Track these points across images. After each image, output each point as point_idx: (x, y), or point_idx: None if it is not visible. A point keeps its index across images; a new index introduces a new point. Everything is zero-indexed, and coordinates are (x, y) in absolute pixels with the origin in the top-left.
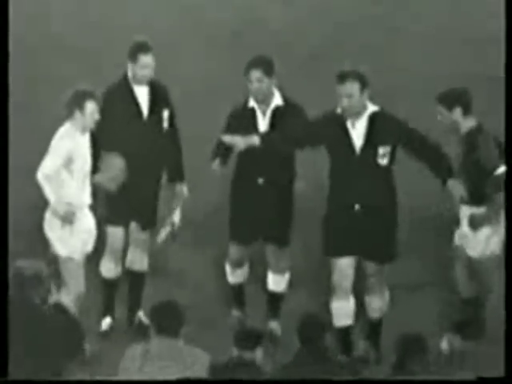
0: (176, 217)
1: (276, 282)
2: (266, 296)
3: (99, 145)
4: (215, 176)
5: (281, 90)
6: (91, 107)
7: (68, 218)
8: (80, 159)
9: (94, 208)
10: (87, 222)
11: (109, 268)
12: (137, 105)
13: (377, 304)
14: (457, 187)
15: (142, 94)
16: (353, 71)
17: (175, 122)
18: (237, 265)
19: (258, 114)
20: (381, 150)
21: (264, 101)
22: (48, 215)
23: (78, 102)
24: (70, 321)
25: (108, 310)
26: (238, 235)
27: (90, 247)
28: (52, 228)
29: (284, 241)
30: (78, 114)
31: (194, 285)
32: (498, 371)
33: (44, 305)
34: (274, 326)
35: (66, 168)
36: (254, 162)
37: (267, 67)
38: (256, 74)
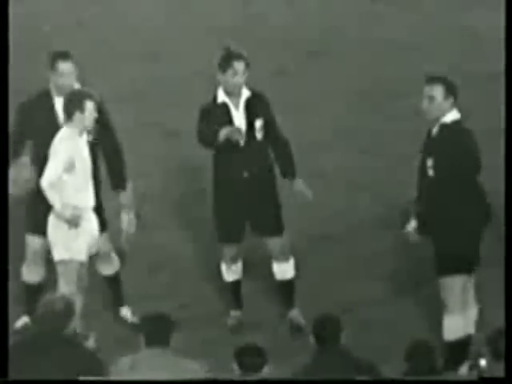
0: (125, 224)
1: (283, 271)
2: (274, 287)
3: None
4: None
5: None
6: (91, 106)
7: (74, 221)
8: (81, 161)
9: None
10: (92, 224)
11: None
12: (55, 115)
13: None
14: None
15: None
16: (443, 77)
17: (111, 128)
18: (231, 262)
19: (231, 107)
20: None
21: (233, 94)
22: (52, 219)
23: (76, 103)
24: (89, 352)
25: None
26: (228, 235)
27: (94, 250)
28: (57, 232)
29: (279, 229)
30: (77, 116)
31: (193, 282)
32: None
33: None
34: (294, 314)
35: (69, 171)
36: (237, 157)
37: (247, 60)
38: (240, 66)
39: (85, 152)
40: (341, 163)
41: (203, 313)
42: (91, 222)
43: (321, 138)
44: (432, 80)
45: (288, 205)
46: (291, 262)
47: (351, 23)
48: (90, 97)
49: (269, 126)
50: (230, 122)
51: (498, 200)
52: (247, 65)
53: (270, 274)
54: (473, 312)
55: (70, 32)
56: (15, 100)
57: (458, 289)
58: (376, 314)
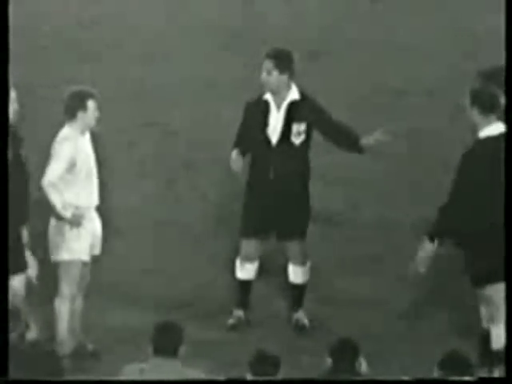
0: None
1: (297, 274)
2: (288, 288)
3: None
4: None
5: (299, 85)
6: (93, 105)
7: (76, 221)
8: (84, 160)
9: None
10: (95, 223)
11: None
12: None
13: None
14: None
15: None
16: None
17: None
18: (248, 259)
19: (272, 106)
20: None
21: (277, 94)
22: (53, 221)
23: (79, 102)
24: (49, 357)
25: None
26: (252, 230)
27: (97, 250)
28: (58, 232)
29: (303, 233)
30: (80, 115)
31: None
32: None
33: (21, 342)
34: (300, 315)
35: (71, 171)
36: (267, 158)
37: (280, 61)
38: (267, 64)
39: (88, 150)
40: (341, 163)
41: (208, 310)
42: (94, 222)
43: (320, 138)
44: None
45: None
46: (308, 266)
47: (351, 23)
48: (92, 96)
49: (320, 129)
50: (266, 121)
51: (498, 200)
52: (280, 64)
53: (283, 277)
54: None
55: (70, 32)
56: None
57: (500, 297)
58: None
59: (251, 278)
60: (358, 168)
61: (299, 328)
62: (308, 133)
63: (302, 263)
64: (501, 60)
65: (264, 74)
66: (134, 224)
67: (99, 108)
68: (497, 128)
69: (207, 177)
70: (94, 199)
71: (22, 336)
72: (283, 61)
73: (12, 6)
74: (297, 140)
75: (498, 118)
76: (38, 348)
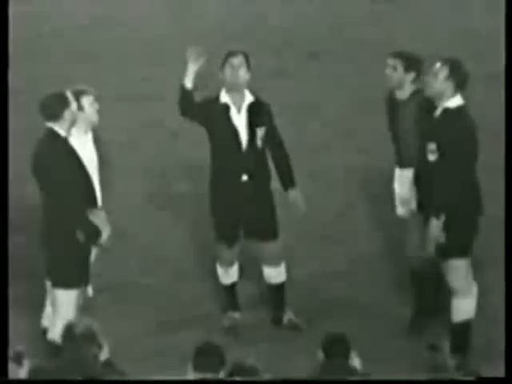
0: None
1: (275, 275)
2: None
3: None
4: None
5: (249, 88)
6: (88, 102)
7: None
8: (87, 160)
9: None
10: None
11: None
12: None
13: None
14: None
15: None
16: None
17: None
18: (228, 264)
19: (233, 109)
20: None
21: (238, 94)
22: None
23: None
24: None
25: None
26: (224, 236)
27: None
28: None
29: (275, 234)
30: (80, 115)
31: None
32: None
33: (95, 362)
34: (290, 314)
35: None
36: (236, 160)
37: (246, 58)
38: (236, 60)
39: (90, 151)
40: (341, 163)
41: (201, 314)
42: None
43: (321, 138)
44: (443, 61)
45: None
46: (283, 266)
47: (351, 23)
48: (85, 93)
49: (269, 135)
50: (230, 122)
51: (497, 200)
52: (246, 62)
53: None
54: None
55: (71, 33)
56: (15, 100)
57: (464, 271)
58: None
59: (235, 281)
60: (358, 168)
61: (293, 329)
62: (266, 135)
63: (278, 264)
64: (501, 60)
65: (234, 71)
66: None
67: (96, 102)
68: (458, 99)
69: (207, 177)
70: (98, 200)
71: (95, 357)
72: (248, 59)
73: (12, 6)
74: (260, 143)
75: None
76: (110, 369)
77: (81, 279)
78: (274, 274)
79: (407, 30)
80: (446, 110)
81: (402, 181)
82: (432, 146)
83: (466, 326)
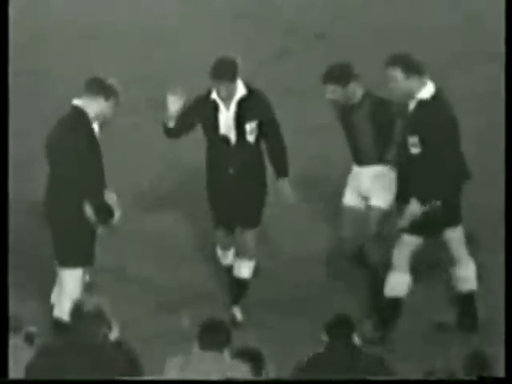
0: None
1: (243, 268)
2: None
3: None
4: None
5: (244, 78)
6: (113, 101)
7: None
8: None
9: None
10: None
11: None
12: None
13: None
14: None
15: None
16: (402, 57)
17: None
18: (225, 248)
19: (221, 107)
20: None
21: (229, 89)
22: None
23: (111, 91)
24: (130, 359)
25: None
26: (220, 224)
27: None
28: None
29: (254, 223)
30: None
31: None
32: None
33: (105, 342)
34: (236, 311)
35: None
36: (225, 154)
37: (231, 73)
38: (222, 84)
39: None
40: (343, 146)
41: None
42: None
43: (323, 120)
44: (391, 61)
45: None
46: (252, 263)
47: (357, 6)
48: (115, 94)
49: (265, 127)
50: (216, 121)
51: (498, 200)
52: (233, 74)
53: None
54: (471, 268)
55: (72, 14)
56: (16, 99)
57: (407, 249)
58: None
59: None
60: None
61: (233, 323)
62: (261, 127)
63: (249, 258)
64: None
65: (221, 88)
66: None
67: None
68: (430, 88)
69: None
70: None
71: (105, 337)
72: (234, 71)
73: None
74: (251, 138)
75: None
76: (121, 348)
77: (86, 259)
78: (243, 266)
79: (412, 12)
80: (421, 102)
81: (359, 177)
82: (414, 140)
83: (471, 296)
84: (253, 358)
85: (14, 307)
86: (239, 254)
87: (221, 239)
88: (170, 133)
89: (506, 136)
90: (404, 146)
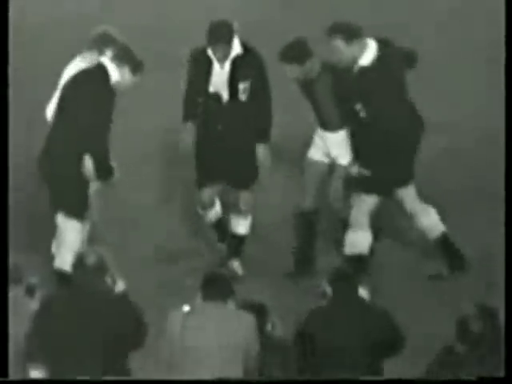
0: None
1: (238, 226)
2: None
3: None
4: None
5: (240, 35)
6: (136, 76)
7: None
8: None
9: None
10: None
11: None
12: None
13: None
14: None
15: None
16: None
17: None
18: (207, 207)
19: (215, 65)
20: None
21: (225, 47)
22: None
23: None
24: (134, 312)
25: None
26: (205, 178)
27: None
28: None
29: (247, 184)
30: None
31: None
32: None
33: (109, 294)
34: (236, 265)
35: None
36: (217, 112)
37: (228, 36)
38: (218, 46)
39: None
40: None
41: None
42: None
43: None
44: (331, 31)
45: None
46: (249, 219)
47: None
48: (141, 69)
49: (256, 86)
50: (209, 77)
51: (497, 199)
52: (230, 36)
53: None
54: (432, 214)
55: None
56: (15, 98)
57: (366, 208)
58: None
59: (220, 216)
60: None
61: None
62: (253, 86)
63: (245, 215)
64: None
65: (218, 54)
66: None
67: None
68: (370, 53)
69: None
70: None
71: (110, 289)
72: (231, 34)
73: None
74: (243, 97)
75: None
76: (126, 300)
77: (82, 209)
78: (241, 223)
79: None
80: (361, 69)
81: (324, 140)
82: (358, 106)
83: (446, 238)
84: (257, 310)
85: (15, 259)
86: (235, 213)
87: (202, 200)
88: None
89: (506, 136)
90: (355, 111)
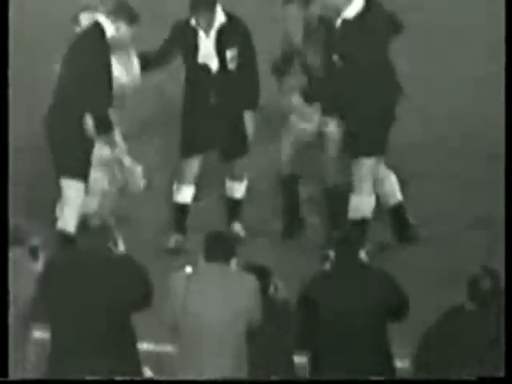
0: None
1: (235, 189)
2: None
3: None
4: None
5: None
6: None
7: None
8: None
9: None
10: None
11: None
12: None
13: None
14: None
15: None
16: None
17: None
18: (184, 181)
19: (201, 34)
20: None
21: (208, 15)
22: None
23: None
24: (139, 272)
25: None
26: (190, 148)
27: None
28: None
29: (242, 151)
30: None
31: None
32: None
33: (112, 256)
34: (237, 227)
35: None
36: (206, 84)
37: (210, 3)
38: (201, 14)
39: None
40: None
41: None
42: None
43: None
44: None
45: None
46: (244, 183)
47: None
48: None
49: (243, 53)
50: (196, 48)
51: (497, 200)
52: (211, 12)
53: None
54: (393, 181)
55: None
56: (15, 97)
57: (368, 171)
58: None
59: (188, 202)
60: None
61: (234, 239)
62: (240, 56)
63: (240, 179)
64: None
65: (201, 13)
66: None
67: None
68: (355, 6)
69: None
70: None
71: (110, 251)
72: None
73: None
74: (231, 65)
75: None
76: (127, 260)
77: (85, 170)
78: (237, 187)
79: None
80: (345, 21)
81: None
82: (335, 57)
83: (400, 207)
84: (260, 272)
85: (16, 221)
86: (232, 178)
87: (184, 171)
88: (149, 65)
89: (506, 136)
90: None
